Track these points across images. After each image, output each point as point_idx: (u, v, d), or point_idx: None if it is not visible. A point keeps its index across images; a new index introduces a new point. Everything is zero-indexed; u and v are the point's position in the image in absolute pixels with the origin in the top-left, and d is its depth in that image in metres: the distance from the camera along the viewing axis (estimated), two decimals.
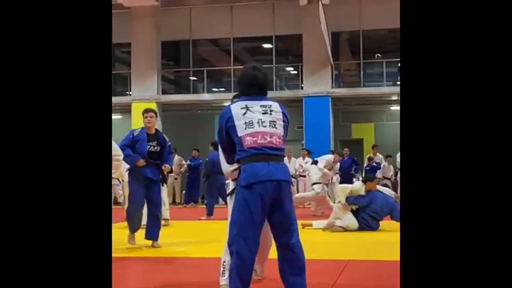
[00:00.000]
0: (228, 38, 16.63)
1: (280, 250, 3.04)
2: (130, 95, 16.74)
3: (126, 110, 16.75)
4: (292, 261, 3.01)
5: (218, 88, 17.95)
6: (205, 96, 16.58)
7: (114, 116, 18.43)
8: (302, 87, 15.99)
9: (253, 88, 3.23)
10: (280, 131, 3.15)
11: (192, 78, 17.33)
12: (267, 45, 16.86)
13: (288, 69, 17.62)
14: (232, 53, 16.66)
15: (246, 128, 3.09)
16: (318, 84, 15.44)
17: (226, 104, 16.71)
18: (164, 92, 16.88)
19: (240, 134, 3.08)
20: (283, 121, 3.20)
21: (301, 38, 15.67)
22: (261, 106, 3.15)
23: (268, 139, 3.08)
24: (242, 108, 3.14)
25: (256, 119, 3.10)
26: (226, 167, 3.56)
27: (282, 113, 3.21)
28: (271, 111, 3.16)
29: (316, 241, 6.58)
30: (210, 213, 9.96)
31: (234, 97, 3.85)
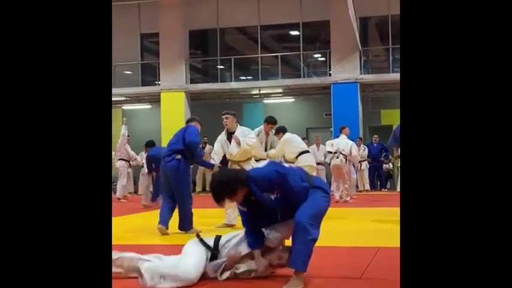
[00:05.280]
0: (255, 25, 16.59)
1: None
2: (159, 84, 16.88)
3: (155, 99, 16.92)
4: None
5: (246, 76, 17.95)
6: (233, 85, 16.61)
7: (143, 106, 18.65)
8: (330, 74, 15.87)
9: None
10: None
11: (219, 67, 17.37)
12: (294, 32, 16.76)
13: (315, 56, 17.49)
14: (259, 40, 16.63)
15: None
16: (346, 70, 15.30)
17: (254, 92, 16.61)
18: (192, 81, 16.98)
19: None
20: None
21: (329, 24, 15.52)
22: None
23: None
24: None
25: None
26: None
27: None
28: None
29: (348, 230, 6.58)
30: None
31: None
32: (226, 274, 3.47)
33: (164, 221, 6.01)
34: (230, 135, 6.38)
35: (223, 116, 6.43)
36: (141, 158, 13.01)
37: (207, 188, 15.21)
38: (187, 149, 6.05)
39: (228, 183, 3.33)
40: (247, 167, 6.29)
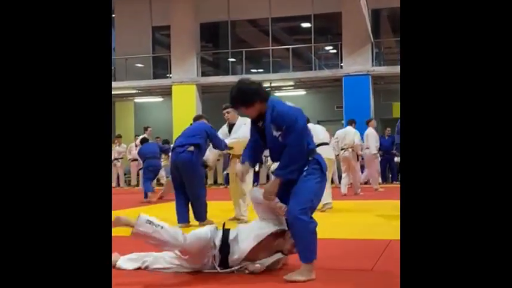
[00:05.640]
0: (266, 18, 16.55)
1: None
2: (170, 77, 16.92)
3: (167, 92, 16.97)
4: None
5: (257, 69, 17.93)
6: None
7: (155, 99, 18.72)
8: (341, 67, 15.80)
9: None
10: None
11: (230, 59, 17.36)
12: (305, 25, 16.69)
13: (327, 48, 17.42)
14: (270, 33, 16.58)
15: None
16: (358, 62, 15.22)
17: (266, 85, 16.58)
18: (203, 74, 16.99)
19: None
20: None
21: (341, 16, 15.44)
22: None
23: None
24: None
25: None
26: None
27: None
28: None
29: (360, 222, 6.58)
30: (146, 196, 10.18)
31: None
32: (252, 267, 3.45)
33: (183, 219, 6.05)
34: (231, 128, 6.42)
35: (225, 111, 6.44)
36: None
37: (219, 181, 15.27)
38: (204, 144, 6.13)
39: (249, 92, 3.35)
40: None
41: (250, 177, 6.56)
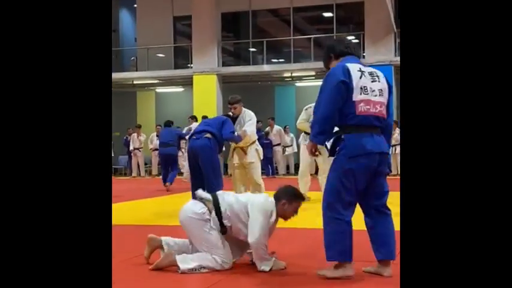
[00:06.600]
0: (288, 7, 16.43)
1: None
2: (191, 67, 16.94)
3: (188, 82, 16.99)
4: None
5: (278, 59, 17.84)
6: (265, 68, 16.53)
7: (176, 89, 18.78)
8: (364, 56, 15.62)
9: (351, 47, 3.29)
10: (386, 100, 3.17)
11: (251, 49, 17.30)
12: (327, 14, 16.53)
13: (349, 38, 17.22)
14: (292, 23, 16.46)
15: (361, 94, 3.03)
16: (381, 52, 15.03)
17: (287, 75, 16.53)
18: (224, 64, 16.97)
19: (354, 99, 3.01)
20: (388, 90, 3.23)
21: (363, 6, 15.25)
22: (369, 73, 3.12)
23: (379, 109, 3.09)
24: (358, 71, 3.07)
25: (369, 86, 3.06)
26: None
27: (387, 81, 3.23)
28: (377, 76, 3.16)
29: None
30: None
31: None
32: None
33: None
34: (234, 120, 6.45)
35: (232, 106, 6.48)
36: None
37: (229, 172, 15.29)
38: (219, 134, 6.10)
39: (326, 50, 3.34)
40: (252, 152, 6.50)
41: (258, 167, 6.65)
